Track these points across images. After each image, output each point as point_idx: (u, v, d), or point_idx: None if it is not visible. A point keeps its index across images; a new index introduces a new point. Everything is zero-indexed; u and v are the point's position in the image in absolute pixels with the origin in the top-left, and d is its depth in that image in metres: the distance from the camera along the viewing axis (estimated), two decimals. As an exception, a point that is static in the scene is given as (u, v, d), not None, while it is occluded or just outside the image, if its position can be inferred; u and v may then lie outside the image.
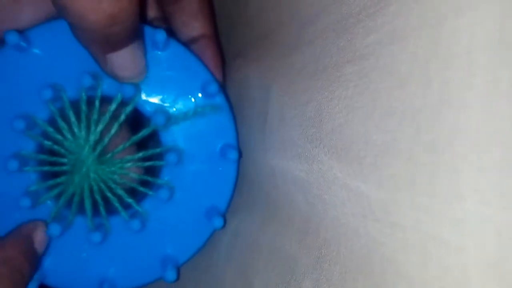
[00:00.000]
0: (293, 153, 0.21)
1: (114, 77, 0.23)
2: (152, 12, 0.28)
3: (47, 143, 0.25)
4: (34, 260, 0.23)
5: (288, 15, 0.22)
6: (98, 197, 0.25)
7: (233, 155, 0.25)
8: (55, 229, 0.24)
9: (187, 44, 0.27)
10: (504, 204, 0.13)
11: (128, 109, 0.25)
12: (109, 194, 0.25)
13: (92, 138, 0.24)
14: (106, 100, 0.25)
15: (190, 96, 0.25)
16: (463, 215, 0.14)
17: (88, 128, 0.25)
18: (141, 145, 0.27)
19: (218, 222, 0.25)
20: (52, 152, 0.25)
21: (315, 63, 0.20)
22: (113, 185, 0.25)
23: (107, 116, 0.24)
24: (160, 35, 0.23)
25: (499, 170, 0.13)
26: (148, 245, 0.26)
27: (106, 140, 0.25)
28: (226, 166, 0.26)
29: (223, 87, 0.27)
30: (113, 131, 0.24)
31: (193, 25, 0.27)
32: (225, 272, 0.26)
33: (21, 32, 0.23)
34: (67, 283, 0.26)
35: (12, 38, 0.23)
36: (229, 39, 0.29)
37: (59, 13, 0.21)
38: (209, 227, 0.26)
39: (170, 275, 0.25)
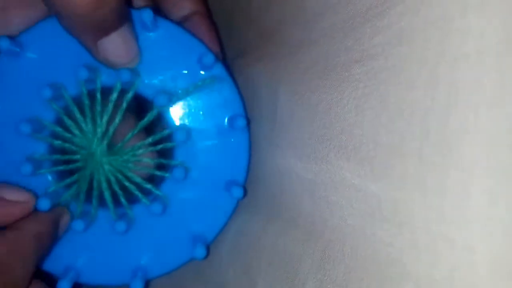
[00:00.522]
0: (303, 153, 0.22)
1: (108, 64, 0.23)
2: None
3: (57, 142, 0.25)
4: (54, 239, 0.24)
5: (293, 14, 0.22)
6: (116, 188, 0.25)
7: (241, 122, 0.25)
8: (78, 225, 0.24)
9: (180, 24, 0.26)
10: (512, 205, 0.13)
11: (129, 95, 0.25)
12: (127, 183, 0.25)
13: (99, 130, 0.25)
14: (108, 91, 0.25)
15: (188, 72, 0.25)
16: (471, 215, 0.14)
17: (94, 121, 0.25)
18: (150, 131, 0.27)
19: (237, 192, 0.25)
20: (64, 151, 0.26)
21: (323, 62, 0.20)
22: (129, 174, 0.25)
23: (110, 106, 0.24)
24: (147, 15, 0.23)
25: (507, 171, 0.13)
26: (174, 228, 0.26)
27: (111, 130, 0.25)
28: (237, 136, 0.26)
29: (223, 59, 0.27)
30: (117, 120, 0.24)
31: (183, 4, 0.27)
32: (228, 271, 0.26)
33: (12, 38, 0.23)
34: (101, 277, 0.26)
35: (3, 44, 0.23)
36: (231, 37, 0.29)
37: (45, 3, 0.21)
38: (231, 200, 0.26)
39: (200, 252, 0.25)
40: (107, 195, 0.25)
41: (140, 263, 0.26)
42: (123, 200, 0.25)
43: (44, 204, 0.23)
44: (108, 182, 0.25)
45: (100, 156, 0.25)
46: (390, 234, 0.17)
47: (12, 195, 0.23)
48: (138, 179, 0.25)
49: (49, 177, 0.26)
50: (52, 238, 0.23)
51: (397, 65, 0.16)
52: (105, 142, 0.25)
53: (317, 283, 0.20)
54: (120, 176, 0.25)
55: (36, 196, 0.24)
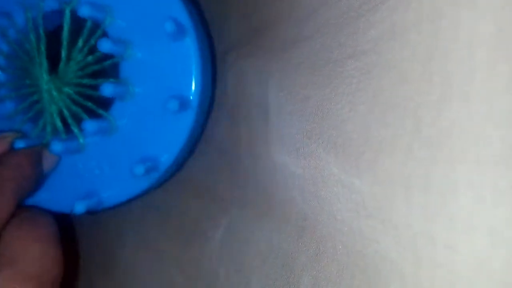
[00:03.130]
0: (291, 148, 0.21)
1: None
2: None
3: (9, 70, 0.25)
4: (40, 175, 0.24)
5: (289, 9, 0.22)
6: (65, 111, 0.24)
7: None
8: (55, 146, 0.24)
9: None
10: (499, 201, 0.13)
11: (66, 18, 0.24)
12: (73, 108, 0.24)
13: (42, 59, 0.24)
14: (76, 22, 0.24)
15: (152, 32, 0.23)
16: (456, 212, 0.14)
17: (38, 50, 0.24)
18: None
19: (173, 105, 0.22)
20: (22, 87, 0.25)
21: (315, 58, 0.19)
22: (75, 97, 0.24)
23: (41, 31, 0.24)
24: None
25: (497, 166, 0.13)
26: (125, 151, 0.24)
27: (42, 48, 0.24)
28: (181, 46, 0.23)
29: None
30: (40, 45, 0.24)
31: None
32: (219, 268, 0.26)
33: None
34: (58, 202, 0.25)
35: None
36: (224, 31, 0.28)
37: None
38: (184, 119, 0.24)
39: (138, 170, 0.23)
40: (55, 118, 0.25)
41: (93, 189, 0.25)
42: (70, 121, 0.24)
43: (19, 143, 0.24)
44: (60, 109, 0.25)
45: (44, 84, 0.24)
46: (375, 230, 0.17)
47: None
48: (84, 102, 0.24)
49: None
50: (35, 170, 0.23)
51: (390, 59, 0.16)
52: (43, 66, 0.24)
53: (312, 280, 0.20)
54: (68, 101, 0.24)
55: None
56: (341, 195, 0.18)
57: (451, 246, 0.14)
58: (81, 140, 0.24)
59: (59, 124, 0.25)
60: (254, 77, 0.25)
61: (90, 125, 0.23)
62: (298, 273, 0.21)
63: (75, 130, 0.24)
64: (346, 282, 0.18)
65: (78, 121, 0.24)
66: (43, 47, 0.24)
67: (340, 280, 0.19)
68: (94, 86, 0.24)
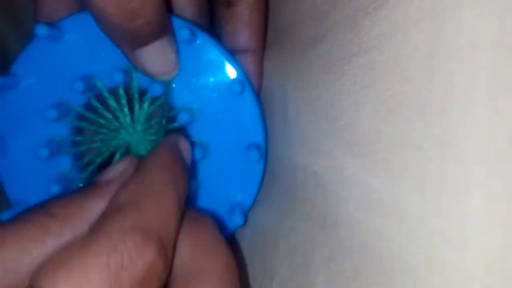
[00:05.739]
0: (310, 149, 0.22)
1: (145, 74, 0.23)
2: (197, 11, 0.27)
3: (82, 123, 0.26)
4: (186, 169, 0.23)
5: (305, 12, 0.22)
6: None
7: (255, 156, 0.25)
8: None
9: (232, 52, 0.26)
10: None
11: (156, 105, 0.26)
12: None
13: (138, 126, 0.26)
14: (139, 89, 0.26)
15: (216, 93, 0.25)
16: (469, 210, 0.14)
17: (131, 112, 0.26)
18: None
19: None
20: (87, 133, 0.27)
21: (326, 57, 0.20)
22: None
23: (145, 107, 0.26)
24: (184, 33, 0.23)
25: (507, 163, 0.13)
26: (210, 201, 0.27)
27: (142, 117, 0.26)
28: (250, 165, 0.26)
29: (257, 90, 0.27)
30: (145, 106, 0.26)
31: (241, 38, 0.26)
32: (247, 267, 0.27)
33: (53, 23, 0.24)
34: None
35: (41, 31, 0.23)
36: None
37: (84, 5, 0.21)
38: (231, 223, 0.27)
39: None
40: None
41: None
42: None
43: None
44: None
45: (134, 142, 0.26)
46: (392, 229, 0.16)
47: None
48: None
49: (65, 161, 0.27)
50: (183, 164, 0.22)
51: (392, 57, 0.16)
52: (138, 128, 0.26)
53: (327, 277, 0.20)
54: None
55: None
56: (359, 195, 0.18)
57: (465, 244, 0.13)
58: None
59: None
60: (275, 78, 0.25)
61: None
62: (314, 270, 0.21)
63: None
64: (361, 280, 0.18)
65: None
66: (124, 101, 0.26)
67: (356, 279, 0.19)
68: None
